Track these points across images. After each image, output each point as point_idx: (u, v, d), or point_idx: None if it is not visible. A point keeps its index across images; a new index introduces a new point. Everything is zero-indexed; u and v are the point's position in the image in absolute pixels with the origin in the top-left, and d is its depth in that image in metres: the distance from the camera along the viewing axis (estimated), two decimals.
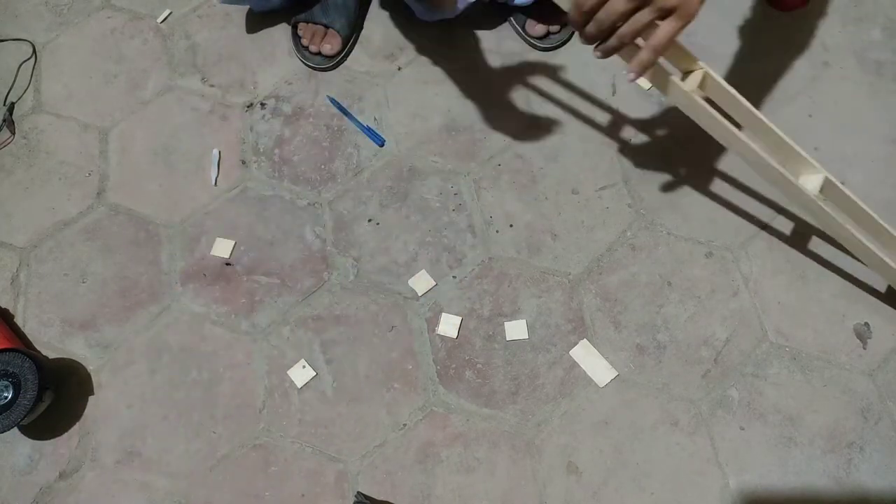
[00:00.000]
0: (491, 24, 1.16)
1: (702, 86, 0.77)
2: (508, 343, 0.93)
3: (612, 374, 0.90)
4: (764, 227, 0.98)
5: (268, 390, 0.91)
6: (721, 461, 0.86)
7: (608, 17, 0.64)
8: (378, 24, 1.17)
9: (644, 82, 1.09)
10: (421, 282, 0.97)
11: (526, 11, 1.11)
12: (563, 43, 1.12)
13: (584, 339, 0.92)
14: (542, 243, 0.99)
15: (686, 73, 0.77)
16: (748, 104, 0.77)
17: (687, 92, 0.75)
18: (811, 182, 0.80)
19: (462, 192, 1.02)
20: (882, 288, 0.93)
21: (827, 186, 0.81)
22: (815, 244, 0.97)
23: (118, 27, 1.19)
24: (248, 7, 1.17)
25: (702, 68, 0.76)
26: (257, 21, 1.18)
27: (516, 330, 0.93)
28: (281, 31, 1.17)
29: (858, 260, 0.87)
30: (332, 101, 1.10)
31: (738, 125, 0.79)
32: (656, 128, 1.06)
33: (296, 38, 1.14)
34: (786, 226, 0.98)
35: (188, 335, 0.95)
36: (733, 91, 0.77)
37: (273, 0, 1.13)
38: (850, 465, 0.85)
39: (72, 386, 0.93)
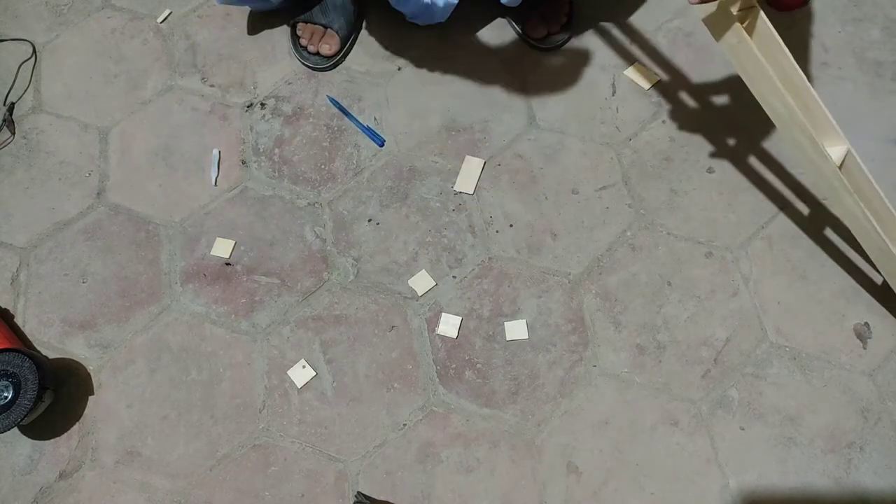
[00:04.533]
0: (491, 25, 1.16)
1: (748, 29, 0.76)
2: (508, 343, 0.93)
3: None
4: (764, 226, 0.99)
5: (268, 390, 0.91)
6: (721, 461, 0.86)
7: None
8: (378, 24, 1.17)
9: (644, 82, 1.09)
10: (421, 282, 0.97)
11: (523, 13, 1.11)
12: (563, 44, 1.12)
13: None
14: (542, 243, 0.99)
15: (739, 12, 0.76)
16: (791, 57, 0.76)
17: (742, 31, 0.73)
18: (834, 152, 0.78)
19: (462, 191, 1.02)
20: (880, 283, 0.93)
21: (847, 161, 0.79)
22: (816, 244, 0.97)
23: (118, 27, 1.19)
24: (247, 7, 1.17)
25: (756, 8, 0.75)
26: (257, 21, 1.18)
27: (516, 330, 0.93)
28: (281, 32, 1.17)
29: (860, 250, 0.86)
30: (332, 101, 1.10)
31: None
32: (656, 128, 1.06)
33: (294, 37, 1.14)
34: (786, 226, 0.98)
35: (188, 335, 0.95)
36: (780, 41, 0.76)
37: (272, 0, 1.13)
38: (850, 465, 0.85)
39: (72, 386, 0.93)
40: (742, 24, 0.75)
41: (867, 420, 0.87)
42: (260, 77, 1.13)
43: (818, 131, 0.79)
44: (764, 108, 0.80)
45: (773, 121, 0.80)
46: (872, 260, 0.87)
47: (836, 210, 0.83)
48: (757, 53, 0.75)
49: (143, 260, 1.00)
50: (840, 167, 0.79)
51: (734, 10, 0.74)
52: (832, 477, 0.84)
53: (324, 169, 1.05)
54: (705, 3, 0.71)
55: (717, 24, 0.75)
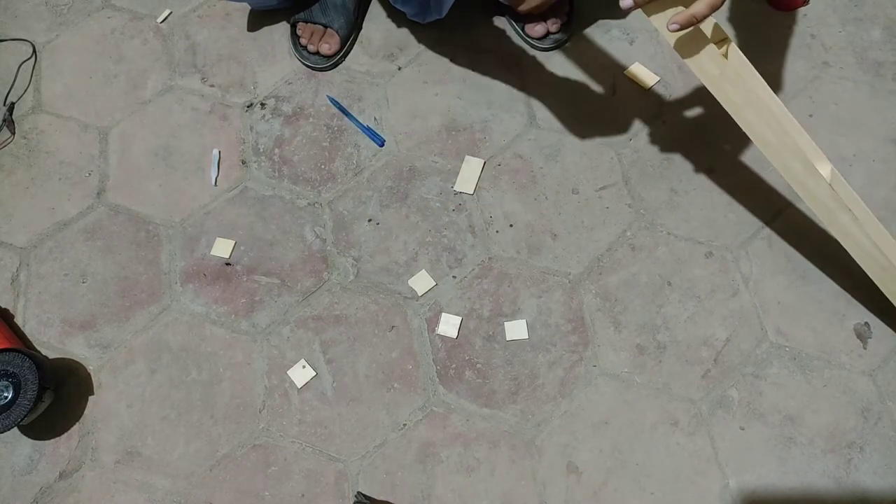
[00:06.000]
0: (490, 24, 1.16)
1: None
2: (508, 343, 0.93)
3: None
4: (764, 226, 0.98)
5: (268, 390, 0.91)
6: (721, 461, 0.86)
7: None
8: (378, 23, 1.17)
9: (645, 82, 1.09)
10: (421, 282, 0.97)
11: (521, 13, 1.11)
12: (563, 43, 1.12)
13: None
14: (542, 243, 0.99)
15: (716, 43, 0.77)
16: (766, 84, 0.77)
17: (724, 61, 0.74)
18: (823, 173, 0.79)
19: (462, 191, 1.02)
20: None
21: (833, 180, 0.79)
22: (816, 244, 0.97)
23: (118, 27, 1.19)
24: (248, 6, 1.17)
25: (728, 40, 0.76)
26: (257, 20, 1.18)
27: (516, 330, 0.93)
28: (281, 31, 1.17)
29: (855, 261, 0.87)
30: (332, 100, 1.10)
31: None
32: (656, 128, 1.06)
33: (294, 37, 1.14)
34: (786, 226, 0.98)
35: (188, 335, 0.95)
36: (753, 69, 0.77)
37: None
38: (850, 465, 0.85)
39: (72, 386, 0.93)
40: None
41: (867, 420, 0.87)
42: (260, 77, 1.13)
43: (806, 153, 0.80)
44: (750, 135, 0.79)
45: (761, 148, 0.79)
46: (872, 278, 0.85)
47: (832, 231, 0.83)
48: (741, 82, 0.75)
49: (143, 260, 1.00)
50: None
51: (712, 40, 0.75)
52: (832, 477, 0.84)
53: (324, 169, 1.05)
54: (683, 30, 0.71)
55: (698, 60, 0.76)
